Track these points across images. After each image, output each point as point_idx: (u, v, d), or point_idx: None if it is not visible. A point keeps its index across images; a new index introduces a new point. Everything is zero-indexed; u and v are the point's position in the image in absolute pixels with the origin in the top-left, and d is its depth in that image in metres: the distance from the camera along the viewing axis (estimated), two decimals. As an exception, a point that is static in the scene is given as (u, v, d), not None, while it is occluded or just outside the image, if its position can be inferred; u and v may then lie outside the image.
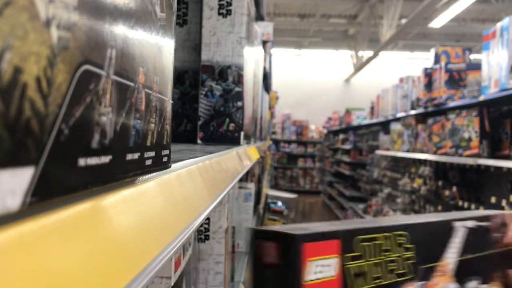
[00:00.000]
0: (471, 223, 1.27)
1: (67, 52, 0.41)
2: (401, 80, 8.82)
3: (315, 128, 22.43)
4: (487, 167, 5.14)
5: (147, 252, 0.59)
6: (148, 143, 0.70)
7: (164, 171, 0.81)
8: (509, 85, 4.40)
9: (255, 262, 1.01)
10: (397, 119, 8.81)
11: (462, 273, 1.23)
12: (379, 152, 10.09)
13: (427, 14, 12.52)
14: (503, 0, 15.41)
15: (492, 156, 5.11)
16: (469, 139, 5.32)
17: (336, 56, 23.32)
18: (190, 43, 2.54)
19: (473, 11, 16.47)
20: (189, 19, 2.55)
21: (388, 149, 9.43)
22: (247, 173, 4.50)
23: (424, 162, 7.33)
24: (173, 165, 0.88)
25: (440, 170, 6.70)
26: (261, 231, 1.04)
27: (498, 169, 4.96)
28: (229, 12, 2.38)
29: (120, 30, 0.54)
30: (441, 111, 6.45)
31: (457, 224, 1.24)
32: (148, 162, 0.70)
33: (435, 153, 6.48)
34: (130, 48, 0.58)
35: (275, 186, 20.11)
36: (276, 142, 21.52)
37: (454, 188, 5.99)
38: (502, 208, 4.68)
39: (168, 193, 0.78)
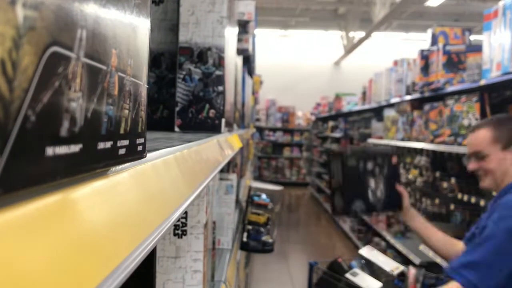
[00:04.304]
0: None
1: (34, 33, 0.41)
2: (396, 63, 8.82)
3: (302, 115, 22.44)
4: (488, 157, 5.16)
5: (120, 249, 0.59)
6: (122, 131, 0.70)
7: (139, 161, 0.81)
8: (512, 69, 4.43)
9: None
10: (391, 105, 8.83)
11: None
12: (371, 140, 10.11)
13: (424, -9, 12.54)
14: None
15: (493, 145, 5.13)
16: (469, 127, 5.34)
17: (325, 37, 23.31)
18: (167, 23, 2.54)
19: (473, -12, 16.54)
20: (166, -4, 2.55)
21: (381, 138, 9.45)
22: (228, 164, 4.50)
23: (420, 151, 7.35)
24: (149, 155, 0.88)
25: (438, 160, 6.72)
26: None
27: (500, 159, 4.98)
28: (209, -11, 2.38)
29: (91, 9, 0.54)
30: (438, 96, 6.46)
31: None
32: (122, 151, 0.71)
33: (432, 141, 6.49)
34: (102, 29, 0.58)
35: (259, 177, 20.12)
36: (260, 130, 21.51)
37: (453, 180, 6.01)
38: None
39: (143, 185, 0.78)
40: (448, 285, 2.95)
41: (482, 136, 3.24)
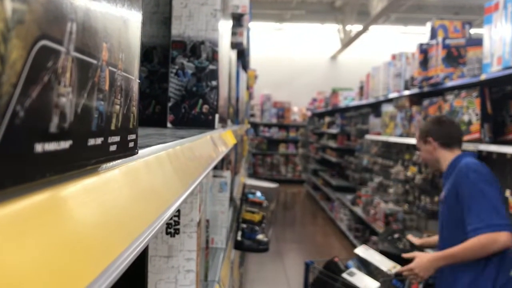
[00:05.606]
0: None
1: (23, 26, 0.41)
2: (394, 57, 8.82)
3: (298, 110, 22.44)
4: (489, 153, 5.16)
5: (111, 248, 0.59)
6: (113, 127, 0.70)
7: (130, 158, 0.81)
8: (513, 63, 4.42)
9: None
10: (389, 100, 8.83)
11: None
12: (369, 136, 10.12)
13: (423, -17, 12.54)
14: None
15: (494, 141, 5.12)
16: (469, 123, 5.34)
17: (321, 30, 23.28)
18: (159, 16, 2.53)
19: (473, -19, 16.54)
20: (158, -12, 2.54)
21: (379, 134, 9.45)
22: (222, 160, 4.50)
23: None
24: (140, 151, 0.88)
25: (437, 157, 6.71)
26: None
27: (502, 155, 4.97)
28: (202, -19, 2.37)
29: (81, 2, 0.54)
30: (438, 91, 6.47)
31: None
32: (113, 147, 0.71)
33: (431, 138, 6.49)
34: (92, 22, 0.58)
35: (253, 174, 20.12)
36: (254, 126, 21.50)
37: (452, 177, 6.01)
38: (506, 199, 4.71)
39: (134, 182, 0.78)
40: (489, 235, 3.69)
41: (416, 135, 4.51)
